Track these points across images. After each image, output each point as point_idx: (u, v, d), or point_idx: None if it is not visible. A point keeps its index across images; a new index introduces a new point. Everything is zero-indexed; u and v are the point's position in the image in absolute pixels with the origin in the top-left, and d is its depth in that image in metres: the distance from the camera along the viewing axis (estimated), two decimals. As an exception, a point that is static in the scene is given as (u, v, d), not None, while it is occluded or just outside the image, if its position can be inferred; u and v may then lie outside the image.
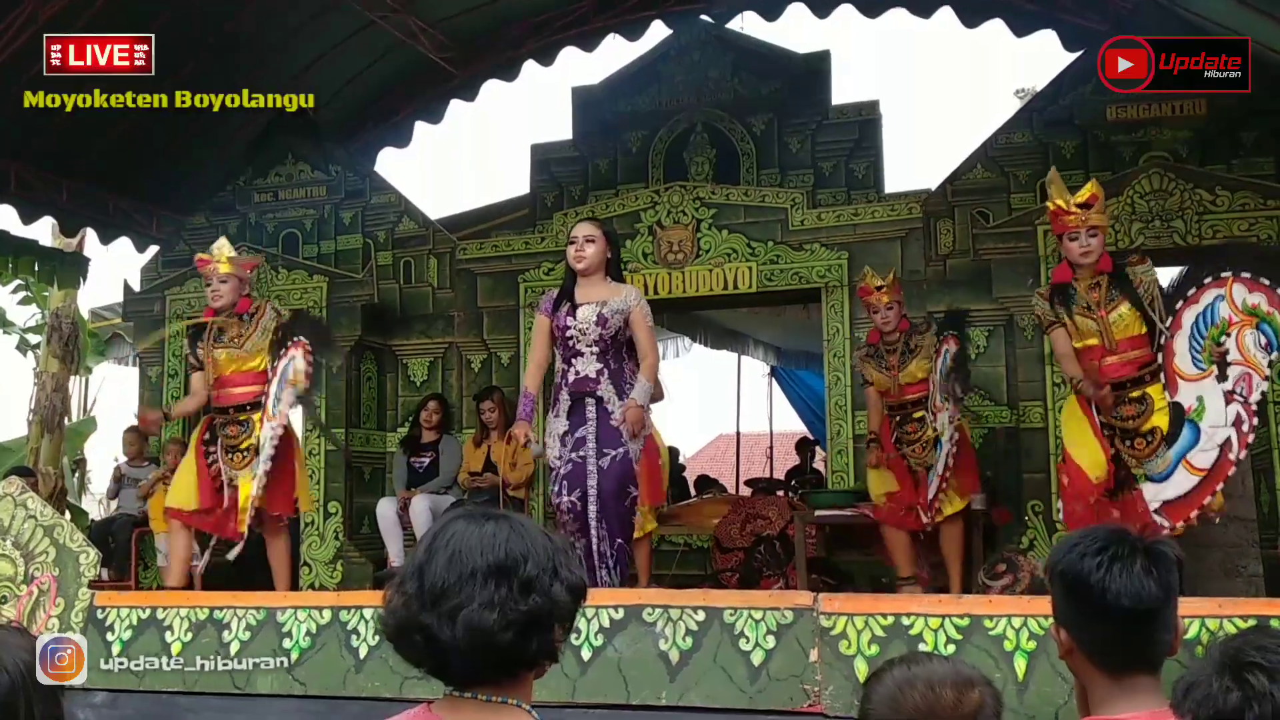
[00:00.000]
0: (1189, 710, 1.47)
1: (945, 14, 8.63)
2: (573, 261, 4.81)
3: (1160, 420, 4.53)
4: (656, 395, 6.47)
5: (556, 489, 4.75)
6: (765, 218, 7.63)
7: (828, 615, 3.74)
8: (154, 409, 6.04)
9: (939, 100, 55.61)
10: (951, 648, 3.60)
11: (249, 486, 5.29)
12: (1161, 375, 4.52)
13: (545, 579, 1.47)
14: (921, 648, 3.59)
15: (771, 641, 3.76)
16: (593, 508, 4.63)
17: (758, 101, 8.41)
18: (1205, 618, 3.42)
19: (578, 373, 4.75)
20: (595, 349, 4.73)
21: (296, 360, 5.23)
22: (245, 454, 5.38)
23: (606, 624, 3.94)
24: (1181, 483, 4.45)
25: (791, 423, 13.80)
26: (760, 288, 7.54)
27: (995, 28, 8.56)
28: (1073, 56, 7.76)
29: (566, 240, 4.88)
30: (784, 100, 8.36)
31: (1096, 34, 7.51)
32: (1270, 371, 4.22)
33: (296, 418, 5.78)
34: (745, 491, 10.29)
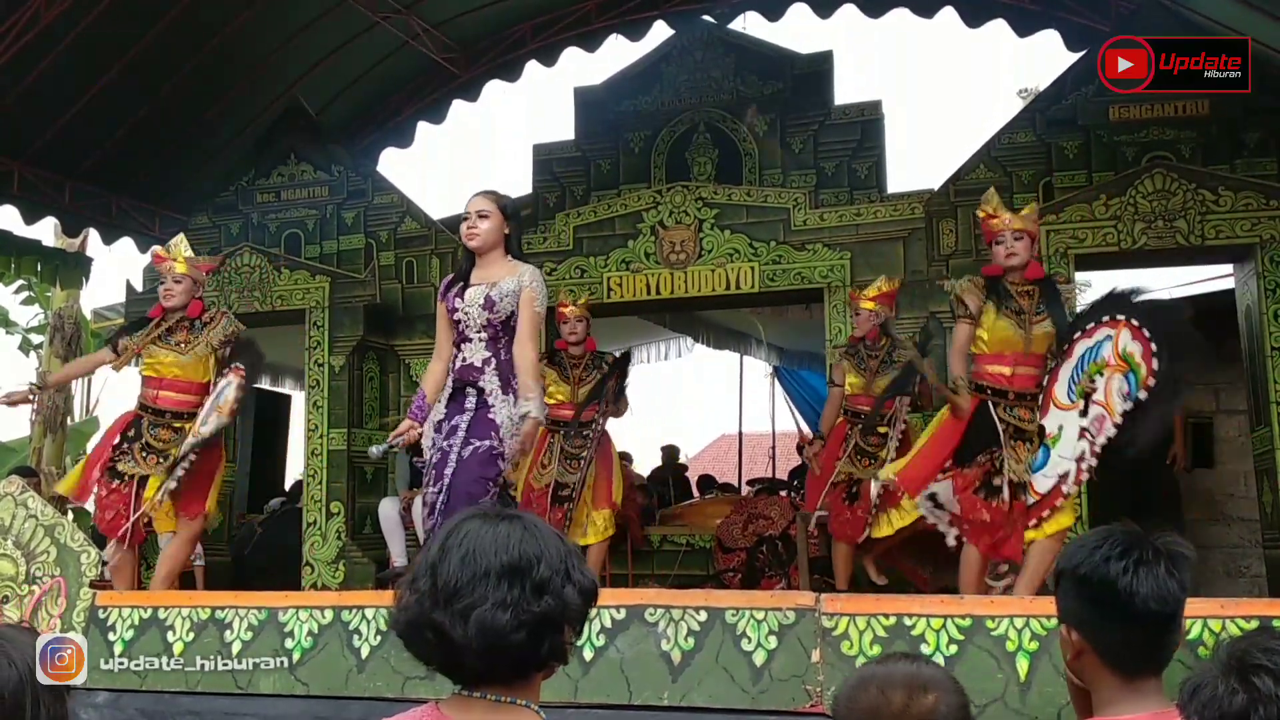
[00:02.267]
0: (1195, 712, 1.46)
1: (948, 14, 8.64)
2: (465, 239, 4.41)
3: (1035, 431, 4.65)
4: (617, 411, 6.59)
5: (425, 481, 4.40)
6: (767, 218, 7.63)
7: (830, 616, 3.74)
8: (17, 389, 5.85)
9: (942, 100, 55.60)
10: (954, 648, 3.60)
11: (154, 491, 5.30)
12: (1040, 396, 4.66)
13: (558, 580, 1.47)
14: (924, 649, 3.59)
15: (773, 642, 3.76)
16: (436, 495, 4.25)
17: (760, 101, 8.40)
18: (1207, 618, 3.41)
19: (464, 359, 4.36)
20: (483, 335, 4.33)
21: (229, 390, 5.30)
22: (164, 458, 5.34)
23: (608, 624, 3.93)
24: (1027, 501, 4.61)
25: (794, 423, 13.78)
26: (762, 288, 7.54)
27: (998, 27, 8.58)
28: (1075, 56, 7.76)
29: (461, 217, 4.49)
30: (786, 100, 8.35)
31: (1099, 34, 7.52)
32: (1120, 420, 4.31)
33: (298, 417, 5.80)
34: (747, 491, 10.28)
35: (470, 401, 4.30)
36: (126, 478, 5.36)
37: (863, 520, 5.95)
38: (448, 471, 4.24)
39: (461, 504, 4.03)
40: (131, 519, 5.30)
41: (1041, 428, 4.58)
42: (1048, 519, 4.52)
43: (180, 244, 5.64)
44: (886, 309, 6.36)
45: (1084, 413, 4.42)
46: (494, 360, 4.33)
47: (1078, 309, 4.86)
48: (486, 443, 4.22)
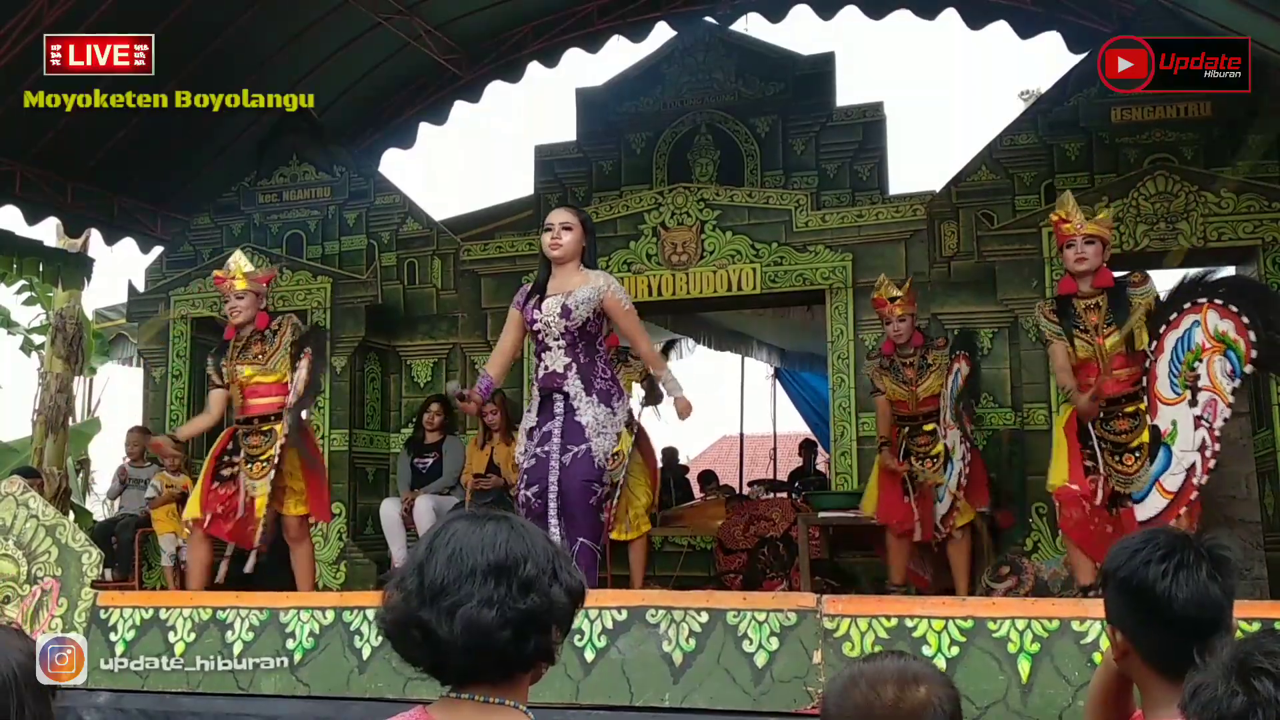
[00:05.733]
0: (1195, 712, 1.45)
1: (949, 15, 8.63)
2: (548, 249, 4.57)
3: (1146, 437, 4.59)
4: (654, 400, 6.55)
5: (520, 484, 4.64)
6: (769, 219, 7.63)
7: (831, 617, 3.74)
8: (163, 435, 5.98)
9: (943, 102, 55.57)
10: (955, 650, 3.60)
11: (265, 496, 5.36)
12: (1145, 396, 4.60)
13: (544, 580, 1.47)
14: (925, 650, 3.59)
15: (775, 643, 3.76)
16: (552, 505, 4.45)
17: (762, 103, 8.41)
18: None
19: (546, 367, 4.57)
20: (562, 342, 4.53)
21: (300, 371, 5.45)
22: (265, 464, 5.42)
23: (610, 625, 3.93)
24: (1154, 505, 4.51)
25: (795, 424, 13.81)
26: (764, 289, 7.54)
27: (999, 29, 8.57)
28: (1077, 58, 7.76)
29: (542, 228, 4.69)
30: (788, 102, 8.36)
31: (1100, 36, 7.51)
32: (1232, 399, 4.25)
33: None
34: (749, 492, 10.27)
35: (559, 407, 4.53)
36: (230, 479, 5.48)
37: (928, 518, 5.85)
38: (551, 479, 4.47)
39: (576, 514, 4.48)
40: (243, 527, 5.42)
41: (1155, 430, 4.51)
42: (1186, 515, 4.39)
43: (238, 261, 5.67)
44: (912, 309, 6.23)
45: (1193, 402, 4.34)
46: (574, 365, 4.55)
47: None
48: (583, 447, 4.49)
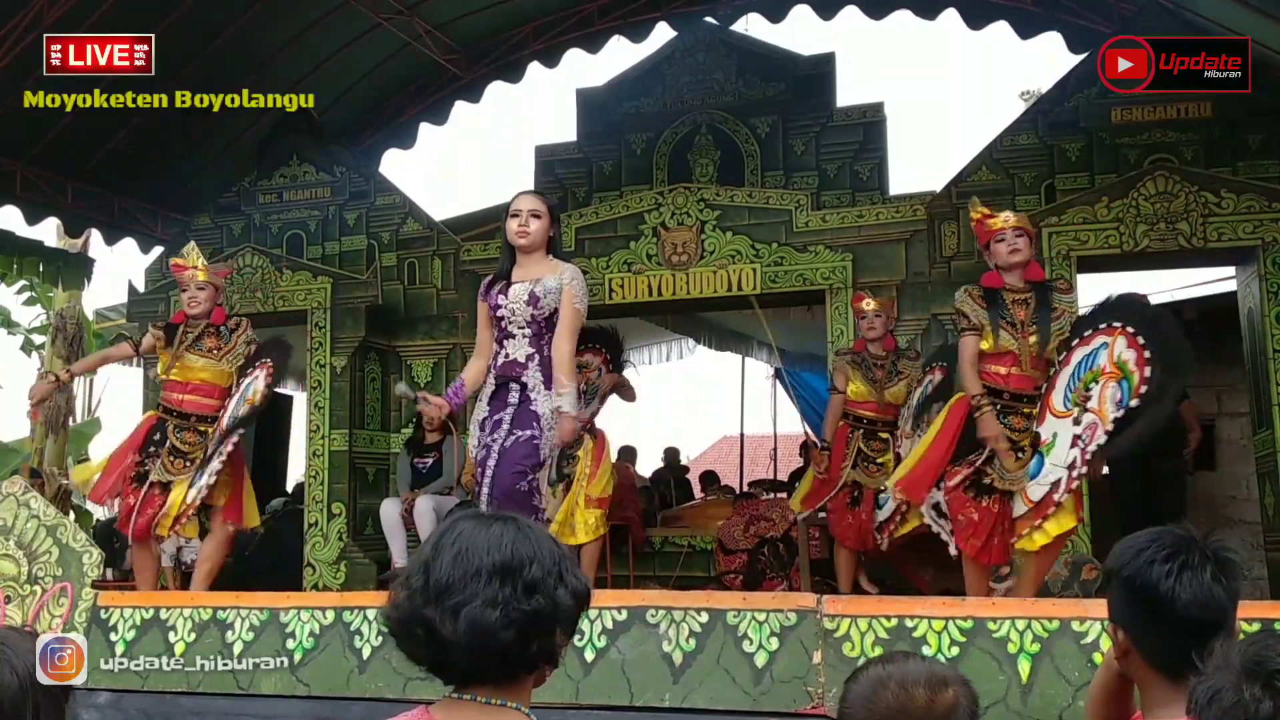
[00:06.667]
0: (1215, 717, 1.45)
1: (950, 16, 8.64)
2: (514, 237, 4.35)
3: (1029, 440, 4.63)
4: (628, 395, 6.61)
5: (476, 477, 4.37)
6: (769, 219, 7.63)
7: (831, 617, 3.74)
8: (39, 385, 5.86)
9: (944, 102, 55.56)
10: (955, 650, 3.60)
11: (182, 493, 5.28)
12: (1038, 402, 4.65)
13: (550, 581, 1.48)
14: (925, 650, 3.59)
15: (775, 643, 3.76)
16: (484, 490, 4.21)
17: (762, 103, 8.41)
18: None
19: (507, 355, 4.32)
20: (527, 331, 4.30)
21: (257, 382, 5.36)
22: (191, 462, 5.36)
23: (610, 625, 3.93)
24: (1017, 509, 4.58)
25: (795, 424, 13.77)
26: (764, 289, 7.53)
27: (1000, 29, 8.58)
28: (1077, 59, 7.76)
29: (507, 214, 4.43)
30: (788, 102, 8.36)
31: (1101, 36, 7.51)
32: (1111, 426, 4.26)
33: (300, 418, 5.79)
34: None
35: (513, 396, 4.28)
36: (158, 485, 5.36)
37: (867, 525, 5.94)
38: (490, 463, 4.22)
39: (502, 494, 4.11)
40: (156, 519, 5.30)
41: (1037, 436, 4.57)
42: (1039, 527, 4.46)
43: (193, 251, 5.67)
44: (889, 312, 6.37)
45: (1077, 420, 4.39)
46: (537, 356, 4.30)
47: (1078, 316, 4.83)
48: (528, 432, 4.21)
